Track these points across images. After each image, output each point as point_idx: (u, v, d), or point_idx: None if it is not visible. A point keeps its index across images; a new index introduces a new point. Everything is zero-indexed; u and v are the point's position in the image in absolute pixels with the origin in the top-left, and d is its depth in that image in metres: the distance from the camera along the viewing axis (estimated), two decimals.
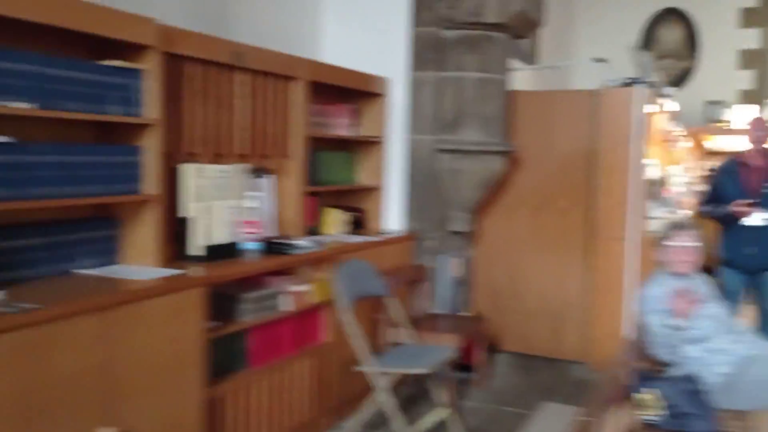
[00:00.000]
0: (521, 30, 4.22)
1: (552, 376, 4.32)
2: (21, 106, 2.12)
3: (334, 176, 3.89)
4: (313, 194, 3.62)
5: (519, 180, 4.58)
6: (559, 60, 6.81)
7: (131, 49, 2.53)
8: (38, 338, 1.96)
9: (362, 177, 4.17)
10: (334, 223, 3.87)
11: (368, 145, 4.14)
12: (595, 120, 4.32)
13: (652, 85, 4.47)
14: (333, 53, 4.12)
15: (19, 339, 1.90)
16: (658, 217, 4.90)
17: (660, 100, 4.86)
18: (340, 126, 3.96)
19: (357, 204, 4.16)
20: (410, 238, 4.06)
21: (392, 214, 4.18)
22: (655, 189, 4.95)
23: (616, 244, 4.26)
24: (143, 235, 2.64)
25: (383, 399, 3.05)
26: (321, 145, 3.72)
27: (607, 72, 4.49)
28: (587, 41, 8.20)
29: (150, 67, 2.55)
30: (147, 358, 2.32)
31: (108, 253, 2.62)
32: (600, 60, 4.48)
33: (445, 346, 3.42)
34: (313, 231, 3.66)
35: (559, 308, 4.55)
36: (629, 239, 4.25)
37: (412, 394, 3.74)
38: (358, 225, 4.08)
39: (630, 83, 4.29)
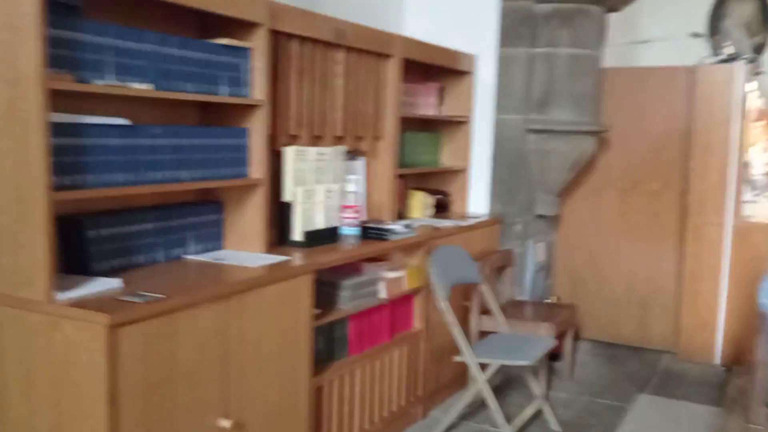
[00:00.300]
0: (616, 2, 4.00)
1: (639, 366, 4.16)
2: (140, 87, 2.03)
3: (418, 158, 3.76)
4: (399, 176, 3.50)
5: (606, 161, 4.39)
6: (626, 37, 6.51)
7: (237, 27, 2.43)
8: (162, 329, 1.89)
9: (447, 158, 4.04)
10: (420, 206, 3.75)
11: (453, 125, 4.00)
12: (692, 98, 4.09)
13: (749, 61, 4.21)
14: (417, 28, 3.96)
15: (145, 330, 1.83)
16: (748, 201, 4.67)
17: (754, 78, 4.60)
18: (426, 105, 3.83)
19: (440, 186, 4.04)
20: (496, 222, 3.92)
21: (477, 197, 4.04)
22: (746, 171, 4.71)
23: (713, 229, 4.06)
24: (248, 219, 2.56)
25: (484, 390, 2.95)
26: (406, 125, 3.59)
27: (676, 49, 4.29)
28: (654, 17, 7.86)
29: (258, 46, 2.45)
30: (259, 348, 2.25)
31: (214, 238, 2.55)
32: (697, 35, 4.24)
33: (543, 336, 3.29)
34: (399, 214, 3.55)
35: (647, 295, 4.38)
36: (727, 224, 4.04)
37: (498, 383, 3.63)
38: (442, 208, 3.95)
39: (730, 60, 4.04)
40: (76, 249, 2.08)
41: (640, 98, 4.30)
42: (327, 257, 2.62)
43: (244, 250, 2.57)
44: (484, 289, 3.34)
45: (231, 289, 2.12)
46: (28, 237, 1.81)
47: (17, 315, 1.86)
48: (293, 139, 2.78)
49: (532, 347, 3.02)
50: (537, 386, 3.24)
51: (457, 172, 4.02)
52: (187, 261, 2.40)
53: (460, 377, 3.59)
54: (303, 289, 2.44)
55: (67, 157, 1.88)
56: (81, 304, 1.81)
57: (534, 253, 4.06)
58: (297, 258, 2.54)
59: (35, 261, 1.81)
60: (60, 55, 1.84)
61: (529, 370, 3.24)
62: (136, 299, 1.85)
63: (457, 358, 3.00)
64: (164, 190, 2.18)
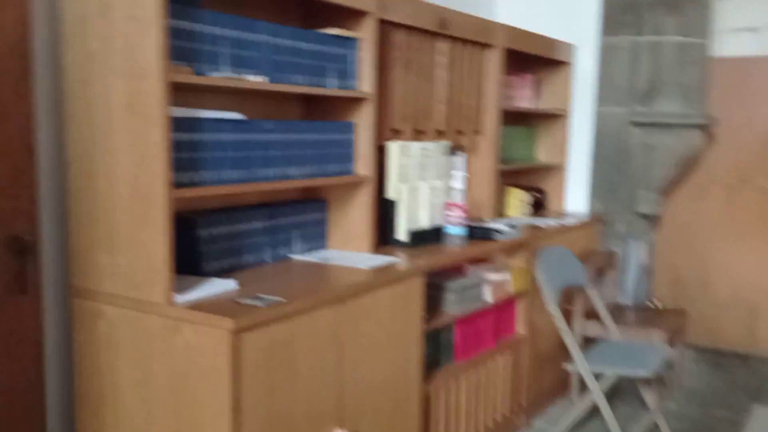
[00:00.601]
0: None
1: (749, 374, 3.88)
2: (255, 79, 1.94)
3: (514, 153, 3.59)
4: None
5: (711, 156, 4.11)
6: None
7: (343, 16, 2.32)
8: (283, 334, 1.79)
9: (542, 154, 3.85)
10: (517, 204, 3.57)
11: (549, 118, 3.80)
12: None
13: None
14: (510, 15, 3.78)
15: (267, 335, 1.74)
16: None
17: None
18: (521, 98, 3.65)
19: (535, 183, 3.85)
20: (598, 221, 3.71)
21: (574, 195, 3.84)
22: None
23: None
24: (354, 218, 2.45)
25: (600, 403, 2.76)
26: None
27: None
28: (731, 6, 7.42)
29: (366, 35, 2.33)
30: (371, 354, 2.13)
31: (318, 237, 2.45)
32: None
33: (655, 344, 3.08)
34: (497, 213, 3.38)
35: (755, 299, 4.08)
36: None
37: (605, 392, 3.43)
38: (538, 206, 3.77)
39: None
40: (187, 248, 2.00)
41: (749, 89, 4.01)
42: (436, 258, 2.49)
43: (348, 249, 2.47)
44: (590, 292, 3.14)
45: (347, 292, 2.01)
46: (147, 236, 1.73)
47: (135, 317, 1.79)
48: (396, 134, 2.66)
49: (648, 356, 2.81)
50: (650, 397, 3.03)
51: (553, 168, 3.83)
52: (293, 261, 2.31)
53: (561, 385, 3.41)
54: (414, 292, 2.31)
55: (185, 153, 1.80)
56: (201, 307, 1.72)
57: (636, 254, 3.83)
58: (405, 259, 2.41)
59: (154, 262, 1.73)
60: (178, 47, 1.76)
61: (640, 379, 3.03)
62: (257, 303, 1.76)
63: (568, 367, 2.82)
64: (274, 187, 2.08)
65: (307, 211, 2.41)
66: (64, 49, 1.84)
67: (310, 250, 2.42)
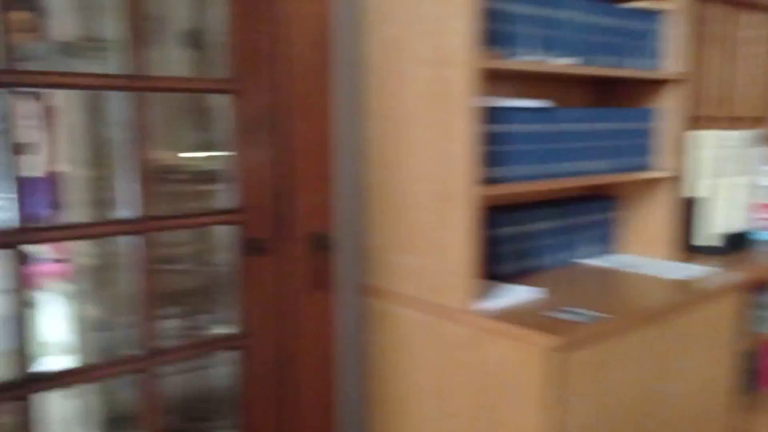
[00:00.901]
0: None
1: None
2: (567, 63, 1.72)
3: None
4: None
5: None
6: None
7: None
8: (601, 356, 1.55)
9: None
10: None
11: None
12: None
13: None
14: None
15: (591, 357, 1.51)
16: None
17: None
18: None
19: None
20: None
21: None
22: None
23: None
24: (649, 219, 2.14)
25: None
26: None
27: None
28: None
29: (676, 8, 2.00)
30: (677, 379, 1.82)
31: (606, 240, 2.18)
32: None
33: None
34: None
35: None
36: None
37: None
38: None
39: None
40: (483, 250, 1.85)
41: None
42: (757, 270, 2.09)
43: (642, 254, 2.17)
44: None
45: (670, 308, 1.72)
46: (447, 237, 1.60)
47: (432, 323, 1.67)
48: (698, 122, 2.29)
49: None
50: None
51: None
52: (582, 267, 2.06)
53: None
54: (729, 308, 1.95)
55: (489, 146, 1.64)
56: (508, 318, 1.54)
57: None
58: (719, 269, 2.05)
59: (455, 264, 1.59)
60: (484, 29, 1.59)
61: None
62: (573, 317, 1.54)
63: None
64: (572, 184, 1.85)
65: (595, 210, 2.15)
66: (363, 38, 1.76)
67: (597, 254, 2.16)
